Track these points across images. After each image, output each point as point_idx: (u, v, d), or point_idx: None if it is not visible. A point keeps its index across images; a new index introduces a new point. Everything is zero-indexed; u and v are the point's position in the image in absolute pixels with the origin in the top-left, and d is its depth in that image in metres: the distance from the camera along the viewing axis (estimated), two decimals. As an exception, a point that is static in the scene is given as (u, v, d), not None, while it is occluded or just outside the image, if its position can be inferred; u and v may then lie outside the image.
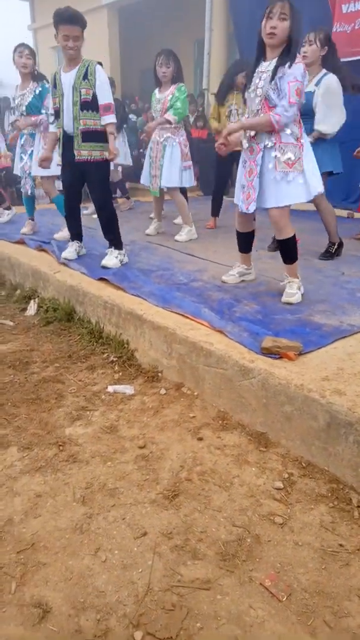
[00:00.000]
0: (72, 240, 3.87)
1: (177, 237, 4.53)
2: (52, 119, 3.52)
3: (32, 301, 3.69)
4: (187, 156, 4.46)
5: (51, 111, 3.52)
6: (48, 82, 4.17)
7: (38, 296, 3.76)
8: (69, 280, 3.45)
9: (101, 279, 3.35)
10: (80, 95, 3.23)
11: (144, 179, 4.63)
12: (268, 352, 2.22)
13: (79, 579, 1.47)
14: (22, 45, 4.29)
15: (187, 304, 2.81)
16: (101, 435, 2.16)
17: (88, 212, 5.64)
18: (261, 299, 2.94)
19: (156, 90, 4.34)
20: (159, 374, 2.63)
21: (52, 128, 3.57)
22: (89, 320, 3.21)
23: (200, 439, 2.10)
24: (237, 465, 1.94)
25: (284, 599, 1.40)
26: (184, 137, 4.42)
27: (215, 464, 1.95)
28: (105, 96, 3.27)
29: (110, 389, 2.51)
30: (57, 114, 3.41)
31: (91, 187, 3.55)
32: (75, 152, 3.36)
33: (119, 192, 6.38)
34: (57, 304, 3.49)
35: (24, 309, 3.67)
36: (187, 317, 2.67)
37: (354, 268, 3.62)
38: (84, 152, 3.34)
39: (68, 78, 3.27)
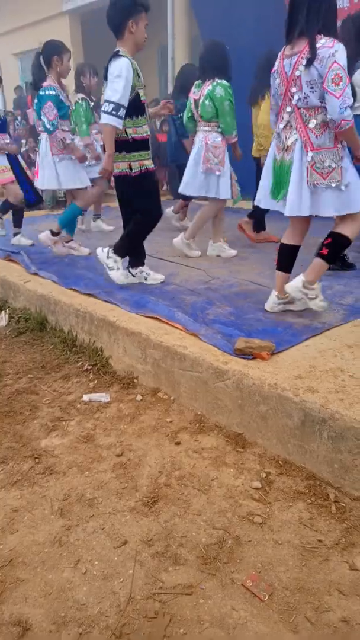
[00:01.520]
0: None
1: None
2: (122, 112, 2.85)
3: (2, 312, 3.62)
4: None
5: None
6: None
7: (9, 307, 3.70)
8: (39, 289, 3.40)
9: (72, 289, 3.32)
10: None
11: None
12: (241, 353, 2.24)
13: (59, 593, 1.44)
14: None
15: (160, 308, 2.81)
16: (78, 445, 2.13)
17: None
18: (234, 300, 2.96)
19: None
20: (135, 380, 2.62)
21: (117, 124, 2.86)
22: (61, 329, 3.17)
23: (177, 444, 2.10)
24: (215, 468, 1.95)
25: (265, 599, 1.40)
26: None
27: (193, 467, 1.96)
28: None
29: (86, 397, 2.49)
30: (142, 110, 2.95)
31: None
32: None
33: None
34: (28, 314, 3.44)
35: (-5, 321, 3.60)
36: (161, 321, 2.67)
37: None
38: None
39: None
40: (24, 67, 13.12)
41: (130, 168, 2.97)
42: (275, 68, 2.41)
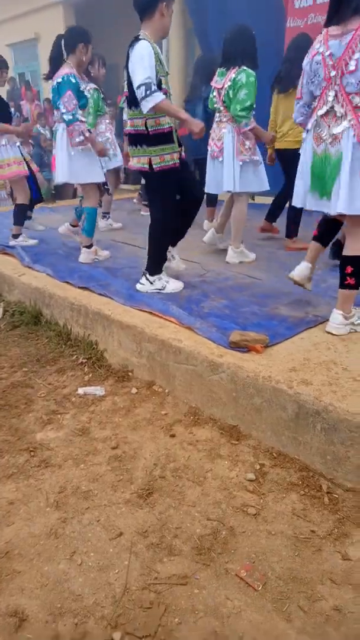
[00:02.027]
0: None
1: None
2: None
3: (-3, 305, 3.61)
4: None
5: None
6: None
7: (3, 300, 3.69)
8: (34, 282, 3.39)
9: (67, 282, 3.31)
10: None
11: None
12: (236, 346, 2.24)
13: (55, 585, 1.45)
14: None
15: (155, 301, 2.81)
16: (73, 438, 2.14)
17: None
18: (228, 293, 2.97)
19: None
20: (130, 373, 2.63)
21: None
22: (56, 323, 3.17)
23: (172, 436, 2.11)
24: (210, 460, 1.96)
25: (259, 588, 1.42)
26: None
27: (188, 459, 1.97)
28: None
29: (81, 391, 2.49)
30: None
31: None
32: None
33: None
34: (23, 308, 3.44)
35: (-11, 314, 3.59)
36: (156, 315, 2.67)
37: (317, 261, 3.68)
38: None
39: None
40: (17, 58, 12.96)
41: (150, 163, 2.73)
42: (315, 52, 2.20)
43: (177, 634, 1.31)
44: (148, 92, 2.49)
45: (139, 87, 2.51)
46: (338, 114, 2.17)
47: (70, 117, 3.33)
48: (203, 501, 1.75)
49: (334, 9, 2.12)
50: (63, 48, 3.43)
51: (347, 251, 2.32)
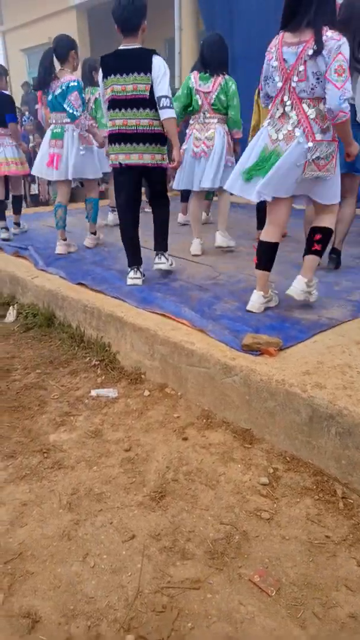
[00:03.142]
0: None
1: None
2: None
3: (10, 307, 3.65)
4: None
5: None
6: None
7: (17, 302, 3.72)
8: (47, 285, 3.41)
9: (80, 284, 3.33)
10: None
11: None
12: (249, 349, 2.23)
13: (68, 586, 1.46)
14: None
15: (167, 304, 2.81)
16: (86, 440, 2.14)
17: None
18: (240, 296, 2.96)
19: None
20: (142, 376, 2.63)
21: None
22: (69, 325, 3.19)
23: (185, 439, 2.11)
24: (223, 463, 1.95)
25: (273, 594, 1.41)
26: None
27: (201, 462, 1.96)
28: None
29: (94, 393, 2.50)
30: None
31: None
32: None
33: None
34: (36, 310, 3.46)
35: (3, 316, 3.62)
36: (168, 317, 2.67)
37: (331, 263, 3.66)
38: None
39: None
40: (31, 63, 13.10)
41: (163, 160, 3.13)
42: (272, 54, 2.37)
43: (189, 638, 1.30)
44: (171, 104, 2.97)
45: (165, 97, 2.93)
46: (291, 118, 2.35)
47: (77, 112, 3.77)
48: (216, 505, 1.75)
49: (289, 16, 2.27)
50: (55, 58, 3.82)
51: (321, 223, 2.58)
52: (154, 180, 3.24)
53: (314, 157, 2.34)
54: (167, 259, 3.39)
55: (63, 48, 3.80)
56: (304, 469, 1.90)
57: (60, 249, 4.13)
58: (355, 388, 1.90)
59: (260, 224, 4.33)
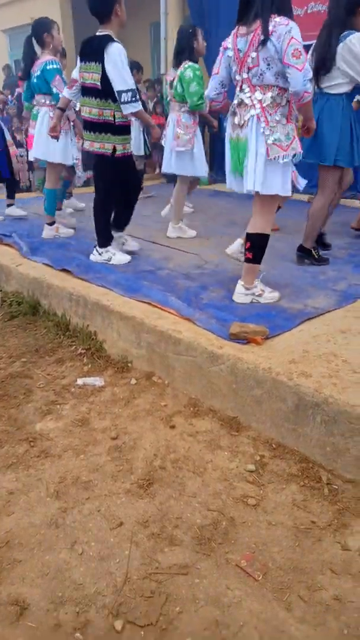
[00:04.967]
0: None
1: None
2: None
3: (-6, 295, 3.59)
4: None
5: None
6: None
7: (1, 290, 3.66)
8: (32, 272, 3.37)
9: (65, 270, 3.29)
10: None
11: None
12: (236, 338, 2.24)
13: (56, 574, 1.46)
14: None
15: (154, 292, 2.79)
16: (72, 428, 2.14)
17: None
18: (227, 284, 2.96)
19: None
20: (129, 364, 2.62)
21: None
22: (54, 313, 3.15)
23: (172, 427, 2.11)
24: (210, 451, 1.97)
25: (259, 578, 1.43)
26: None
27: (188, 450, 1.97)
28: None
29: (80, 381, 2.49)
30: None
31: None
32: None
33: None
34: (21, 298, 3.41)
35: (-13, 304, 3.57)
36: (155, 306, 2.66)
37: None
38: None
39: None
40: (12, 45, 12.74)
41: (114, 150, 3.07)
42: (228, 45, 2.43)
43: (178, 623, 1.32)
44: (134, 99, 2.91)
45: (126, 91, 2.88)
46: (247, 104, 2.40)
47: (60, 94, 3.68)
48: (203, 492, 1.76)
49: (242, 11, 2.36)
50: (35, 43, 3.85)
51: (250, 228, 2.60)
52: (102, 171, 3.22)
53: (271, 141, 2.37)
54: (97, 253, 3.39)
55: (36, 32, 3.83)
56: (290, 456, 1.92)
57: (45, 233, 4.16)
58: (340, 376, 1.93)
59: None
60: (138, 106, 2.96)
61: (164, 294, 2.76)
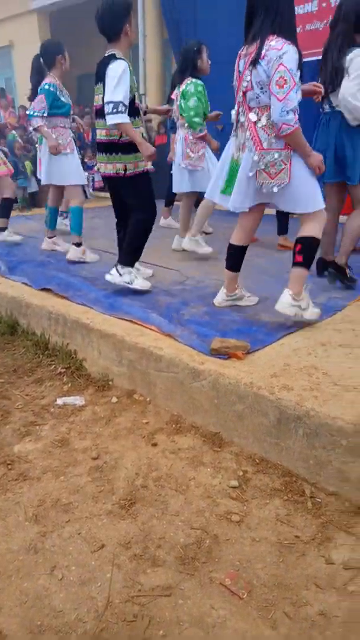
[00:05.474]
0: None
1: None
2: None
3: (-28, 315, 3.53)
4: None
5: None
6: None
7: (-21, 310, 3.61)
8: (10, 291, 3.33)
9: (44, 289, 3.26)
10: None
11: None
12: (217, 353, 2.24)
13: (35, 601, 1.41)
14: None
15: (135, 310, 2.79)
16: (52, 449, 2.09)
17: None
18: (208, 300, 2.97)
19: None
20: (110, 382, 2.60)
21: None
22: (33, 332, 3.12)
23: (154, 445, 2.09)
24: (193, 468, 1.94)
25: (244, 596, 1.41)
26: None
27: (170, 468, 1.95)
28: None
29: (60, 401, 2.45)
30: (137, 112, 2.99)
31: None
32: None
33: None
34: (-1, 317, 3.37)
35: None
36: (136, 323, 2.65)
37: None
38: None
39: None
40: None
41: (125, 169, 2.97)
42: (235, 67, 2.43)
43: (162, 647, 1.28)
44: (115, 110, 2.76)
45: (108, 102, 2.77)
46: (245, 126, 2.40)
47: (31, 112, 3.80)
48: (186, 510, 1.73)
49: (245, 31, 2.35)
50: (43, 65, 3.91)
51: (300, 233, 2.46)
52: (122, 192, 3.09)
53: (262, 166, 2.34)
54: (117, 273, 3.09)
55: (49, 53, 3.87)
56: (273, 471, 1.91)
57: (44, 244, 4.30)
58: (321, 389, 1.94)
59: (281, 228, 4.48)
60: (119, 118, 2.76)
61: (145, 311, 2.75)
